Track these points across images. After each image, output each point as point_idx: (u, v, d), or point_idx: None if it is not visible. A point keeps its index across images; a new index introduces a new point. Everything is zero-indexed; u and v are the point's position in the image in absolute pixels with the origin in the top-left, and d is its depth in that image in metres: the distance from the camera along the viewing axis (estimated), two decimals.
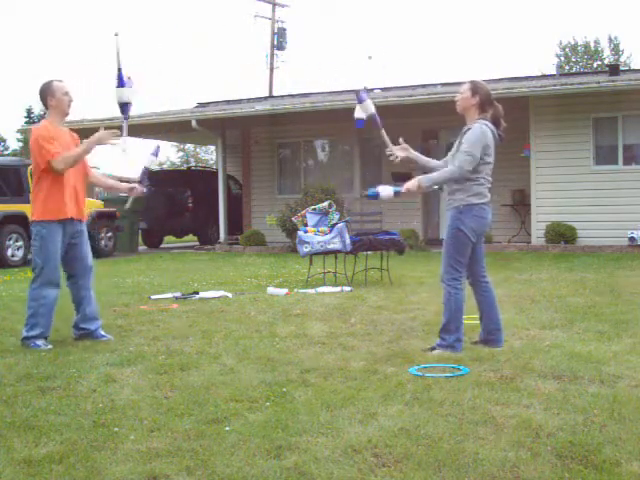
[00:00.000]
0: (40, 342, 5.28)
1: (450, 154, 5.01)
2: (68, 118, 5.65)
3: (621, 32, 75.24)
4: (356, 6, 77.94)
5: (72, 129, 5.84)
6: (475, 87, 4.90)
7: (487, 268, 5.15)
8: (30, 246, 5.51)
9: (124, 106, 5.70)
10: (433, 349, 4.91)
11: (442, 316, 4.96)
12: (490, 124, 4.88)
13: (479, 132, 4.80)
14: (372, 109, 5.19)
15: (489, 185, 4.95)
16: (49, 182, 5.30)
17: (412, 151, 5.23)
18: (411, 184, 4.92)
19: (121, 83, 5.61)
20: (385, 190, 5.09)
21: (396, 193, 5.07)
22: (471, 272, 5.06)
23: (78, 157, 5.36)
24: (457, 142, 4.94)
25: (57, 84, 5.42)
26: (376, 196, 5.13)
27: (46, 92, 5.39)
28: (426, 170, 5.27)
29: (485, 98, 4.90)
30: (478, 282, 5.06)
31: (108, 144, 5.53)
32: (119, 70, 5.58)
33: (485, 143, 4.81)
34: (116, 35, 5.49)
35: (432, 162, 5.28)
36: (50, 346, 5.29)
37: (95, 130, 5.55)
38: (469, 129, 4.86)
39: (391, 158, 5.20)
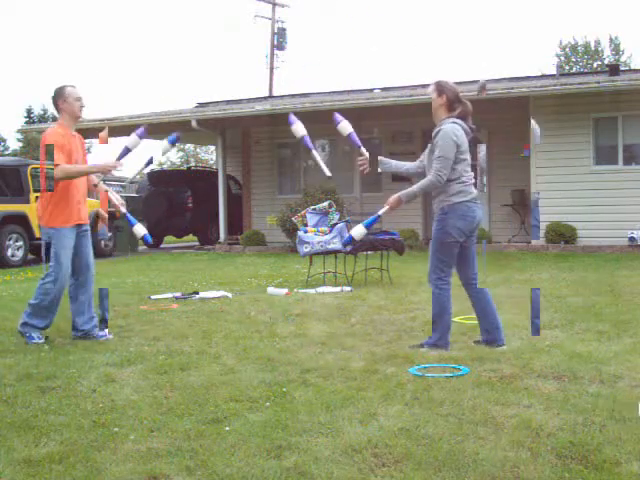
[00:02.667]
0: (35, 335, 5.42)
1: (424, 154, 5.07)
2: None
3: (621, 32, 75.29)
4: (356, 6, 77.99)
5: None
6: (441, 87, 4.93)
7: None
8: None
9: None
10: (421, 346, 4.99)
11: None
12: (459, 120, 4.89)
13: (449, 133, 4.81)
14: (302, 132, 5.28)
15: (472, 181, 4.96)
16: (60, 188, 5.45)
17: (382, 161, 5.29)
18: (393, 200, 4.95)
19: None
20: (356, 230, 5.11)
21: (368, 225, 5.09)
22: (462, 274, 5.06)
23: (79, 174, 5.53)
24: (431, 144, 4.96)
25: (70, 89, 5.59)
26: (351, 240, 5.34)
27: (58, 96, 5.58)
28: (402, 174, 5.48)
29: (452, 96, 4.91)
30: (469, 284, 5.06)
31: (111, 171, 5.68)
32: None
33: (457, 142, 4.82)
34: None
35: (405, 166, 5.34)
36: (43, 340, 5.39)
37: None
38: (439, 131, 4.86)
39: (361, 168, 5.19)
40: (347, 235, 5.39)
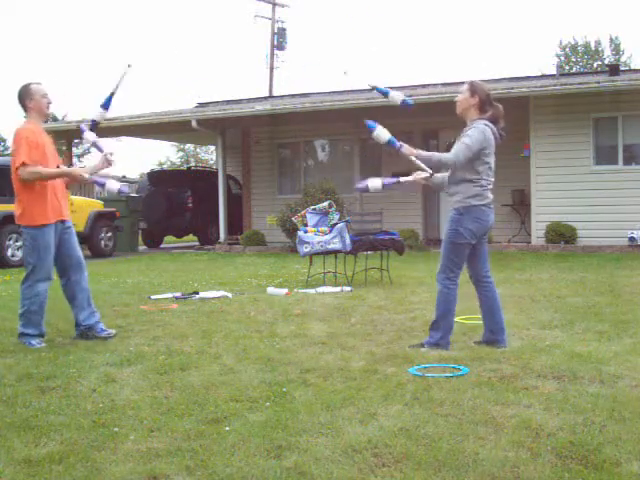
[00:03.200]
0: (35, 341, 5.36)
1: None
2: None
3: (621, 32, 75.26)
4: (356, 6, 78.00)
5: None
6: (474, 87, 4.93)
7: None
8: (22, 246, 5.56)
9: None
10: (422, 346, 4.99)
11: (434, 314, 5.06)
12: (490, 123, 4.90)
13: (482, 130, 4.83)
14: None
15: (490, 186, 4.96)
16: (35, 186, 5.36)
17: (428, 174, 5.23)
18: (408, 148, 4.93)
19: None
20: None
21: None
22: (474, 272, 5.08)
23: (47, 176, 5.38)
24: (458, 139, 4.95)
25: (35, 87, 5.49)
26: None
27: (24, 95, 5.47)
28: (442, 185, 5.25)
29: (484, 98, 4.92)
30: (481, 282, 5.07)
31: (79, 179, 5.64)
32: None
33: (485, 143, 4.82)
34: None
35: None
36: (44, 344, 5.33)
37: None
38: (472, 127, 4.88)
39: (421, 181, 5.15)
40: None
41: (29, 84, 5.49)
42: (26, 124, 5.49)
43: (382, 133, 5.02)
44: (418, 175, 5.13)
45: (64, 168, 5.44)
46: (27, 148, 5.28)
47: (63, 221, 5.54)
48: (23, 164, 5.25)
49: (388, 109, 14.99)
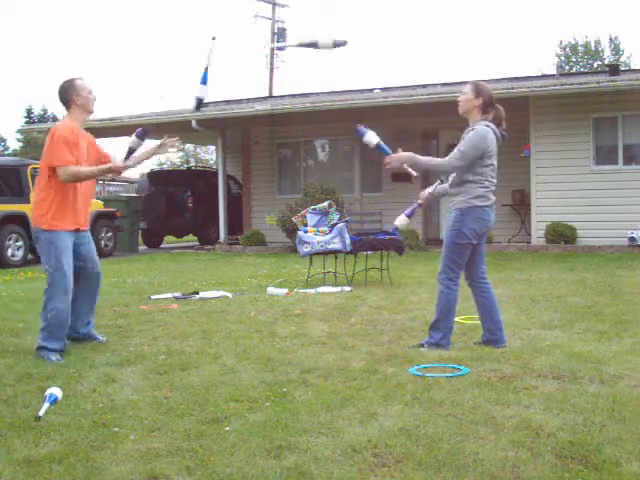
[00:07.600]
0: (54, 357, 4.91)
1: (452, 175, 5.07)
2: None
3: (621, 32, 75.29)
4: (356, 6, 77.98)
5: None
6: (478, 89, 4.92)
7: (487, 268, 5.16)
8: (34, 249, 5.45)
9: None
10: (422, 346, 4.99)
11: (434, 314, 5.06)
12: (492, 125, 4.90)
13: (481, 134, 4.82)
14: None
15: (493, 188, 4.96)
16: (62, 190, 5.07)
17: (431, 189, 5.45)
18: (404, 155, 4.92)
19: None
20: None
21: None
22: (470, 272, 5.07)
23: (86, 177, 5.15)
24: (459, 143, 4.96)
25: (81, 82, 5.23)
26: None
27: (70, 91, 5.18)
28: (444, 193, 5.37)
29: (487, 100, 4.92)
30: (477, 283, 5.07)
31: (120, 172, 5.54)
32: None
33: (485, 146, 4.81)
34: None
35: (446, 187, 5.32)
36: (62, 360, 4.88)
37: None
38: (472, 130, 4.87)
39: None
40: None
41: (73, 79, 5.22)
42: (66, 121, 5.22)
43: (372, 138, 5.12)
44: (429, 190, 5.46)
45: (102, 166, 5.19)
46: (66, 148, 4.99)
47: (80, 230, 5.24)
48: (64, 164, 4.97)
49: (388, 109, 15.02)
